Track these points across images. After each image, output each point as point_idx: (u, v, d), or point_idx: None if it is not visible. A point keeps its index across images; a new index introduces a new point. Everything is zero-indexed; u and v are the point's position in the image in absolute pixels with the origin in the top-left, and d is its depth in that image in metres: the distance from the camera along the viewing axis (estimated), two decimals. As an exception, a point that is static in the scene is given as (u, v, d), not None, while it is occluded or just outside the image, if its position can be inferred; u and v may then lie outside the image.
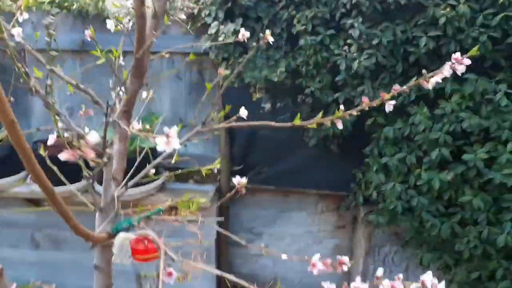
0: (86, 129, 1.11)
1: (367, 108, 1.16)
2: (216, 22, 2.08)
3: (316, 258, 0.94)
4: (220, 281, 2.60)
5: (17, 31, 1.00)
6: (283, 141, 2.42)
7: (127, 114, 1.17)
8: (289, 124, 1.23)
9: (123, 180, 1.14)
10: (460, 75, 1.03)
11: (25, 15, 1.04)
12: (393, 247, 2.24)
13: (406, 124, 1.87)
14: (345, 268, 0.98)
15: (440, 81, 1.04)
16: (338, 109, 1.11)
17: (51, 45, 0.99)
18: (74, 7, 2.35)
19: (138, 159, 1.27)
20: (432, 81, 1.06)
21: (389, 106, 1.14)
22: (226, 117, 1.27)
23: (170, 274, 1.04)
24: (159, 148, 0.79)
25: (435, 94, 1.82)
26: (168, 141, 0.80)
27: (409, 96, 1.84)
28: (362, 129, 2.11)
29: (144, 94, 1.39)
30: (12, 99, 0.85)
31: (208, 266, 0.90)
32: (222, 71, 1.30)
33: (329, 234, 2.62)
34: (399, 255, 2.25)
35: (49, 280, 2.49)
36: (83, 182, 2.25)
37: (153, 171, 1.26)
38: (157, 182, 2.34)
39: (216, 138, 2.47)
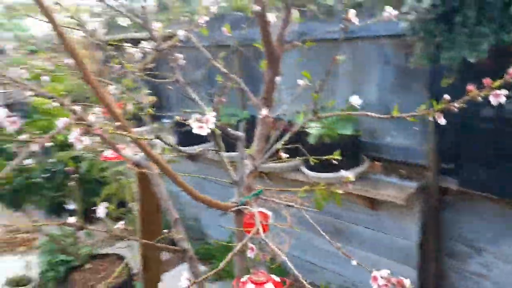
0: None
1: (479, 99, 0.85)
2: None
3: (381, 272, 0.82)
4: (423, 269, 2.31)
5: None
6: (510, 137, 1.88)
7: (266, 100, 1.29)
8: (388, 115, 1.03)
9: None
10: None
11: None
12: None
13: None
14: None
15: None
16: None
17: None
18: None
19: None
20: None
21: (496, 97, 0.79)
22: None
23: (252, 249, 1.19)
24: (194, 131, 0.87)
25: None
26: (201, 126, 0.87)
27: None
28: None
29: (301, 82, 1.41)
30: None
31: (280, 252, 0.90)
32: (336, 58, 1.19)
33: None
34: None
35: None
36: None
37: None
38: (356, 170, 2.29)
39: (426, 129, 2.17)
